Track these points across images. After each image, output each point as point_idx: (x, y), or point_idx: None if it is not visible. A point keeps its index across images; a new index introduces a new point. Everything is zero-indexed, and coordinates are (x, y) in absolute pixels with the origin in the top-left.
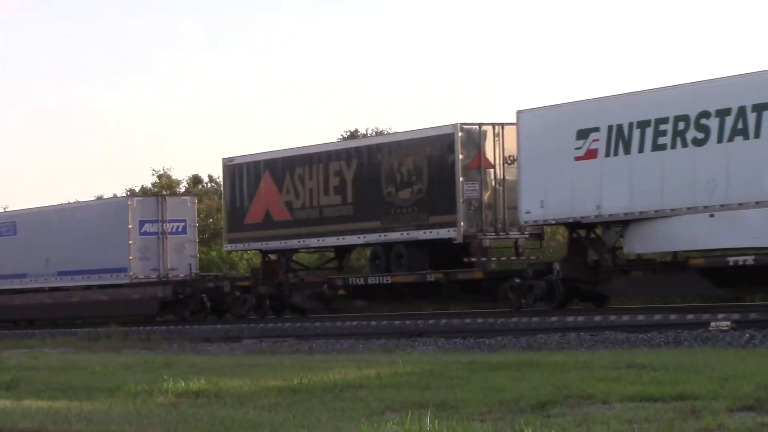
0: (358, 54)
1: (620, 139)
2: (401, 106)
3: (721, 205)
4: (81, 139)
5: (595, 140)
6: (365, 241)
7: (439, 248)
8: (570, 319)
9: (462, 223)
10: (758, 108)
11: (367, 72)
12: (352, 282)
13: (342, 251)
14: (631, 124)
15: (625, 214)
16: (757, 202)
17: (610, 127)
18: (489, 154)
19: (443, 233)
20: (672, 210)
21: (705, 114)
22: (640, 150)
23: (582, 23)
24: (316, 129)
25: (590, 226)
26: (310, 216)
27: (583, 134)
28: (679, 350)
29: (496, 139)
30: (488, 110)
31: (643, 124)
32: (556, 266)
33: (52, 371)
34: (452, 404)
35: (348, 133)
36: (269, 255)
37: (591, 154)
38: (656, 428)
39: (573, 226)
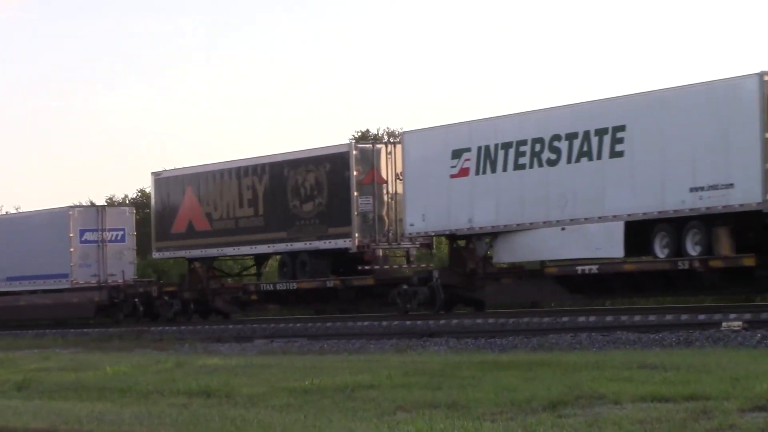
0: (363, 54)
1: (488, 159)
2: (411, 106)
3: (571, 220)
4: (83, 140)
5: (467, 160)
6: (274, 250)
7: (341, 256)
8: (581, 319)
9: (356, 234)
10: (600, 132)
11: (373, 72)
12: (263, 288)
13: (260, 259)
14: (496, 146)
15: (493, 227)
16: (599, 217)
17: (479, 148)
18: (382, 170)
19: (340, 243)
20: (531, 224)
21: (557, 137)
22: (504, 169)
23: (584, 23)
24: (323, 130)
25: (467, 238)
26: (227, 227)
27: (456, 154)
28: (691, 350)
29: (389, 156)
30: (492, 108)
31: (506, 146)
32: (436, 274)
33: (64, 371)
34: (463, 404)
35: (359, 134)
36: (194, 262)
37: (464, 172)
38: (668, 428)
39: (451, 237)
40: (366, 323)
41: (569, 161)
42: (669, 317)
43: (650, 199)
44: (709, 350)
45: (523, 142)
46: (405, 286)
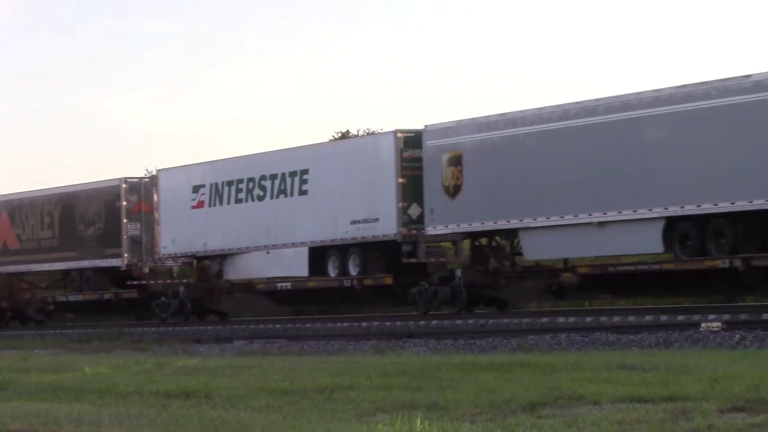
0: (355, 54)
1: (217, 194)
2: (393, 106)
3: (273, 245)
4: (82, 140)
5: (203, 194)
6: (66, 267)
7: (119, 272)
8: (561, 320)
9: (126, 254)
10: (292, 174)
11: (356, 71)
12: (58, 299)
13: (66, 273)
14: (223, 183)
15: (221, 250)
16: (292, 244)
17: (211, 185)
18: (148, 201)
19: (114, 262)
20: (246, 248)
21: (264, 177)
22: (228, 203)
23: (587, 22)
24: (307, 129)
25: (207, 258)
26: (32, 246)
27: (196, 189)
28: (670, 351)
29: (154, 189)
30: (486, 109)
31: (230, 183)
32: (181, 288)
33: (43, 372)
34: (443, 405)
35: (339, 134)
36: (11, 276)
37: (201, 204)
38: (647, 429)
39: (195, 258)
40: (345, 324)
41: (272, 197)
42: (648, 318)
43: (326, 229)
44: (688, 351)
45: (241, 181)
46: (163, 299)
